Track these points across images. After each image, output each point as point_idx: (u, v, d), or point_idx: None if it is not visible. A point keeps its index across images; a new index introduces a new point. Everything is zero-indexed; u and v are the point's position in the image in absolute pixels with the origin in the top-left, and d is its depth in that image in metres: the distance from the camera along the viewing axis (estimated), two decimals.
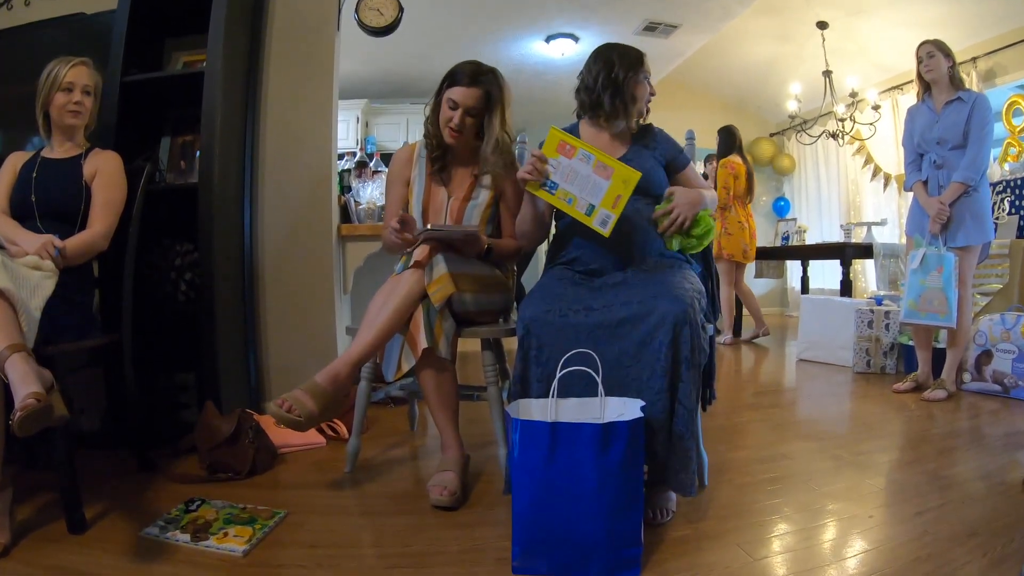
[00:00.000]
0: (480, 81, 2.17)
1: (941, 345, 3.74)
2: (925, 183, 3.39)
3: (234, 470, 2.14)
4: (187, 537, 1.67)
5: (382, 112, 6.96)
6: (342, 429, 2.57)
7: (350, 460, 2.20)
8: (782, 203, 8.48)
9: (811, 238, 7.09)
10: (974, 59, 5.99)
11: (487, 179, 2.25)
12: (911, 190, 3.52)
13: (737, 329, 5.99)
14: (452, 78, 2.18)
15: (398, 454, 2.48)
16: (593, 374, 1.58)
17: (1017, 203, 3.91)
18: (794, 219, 7.42)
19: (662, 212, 1.97)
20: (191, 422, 2.40)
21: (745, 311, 5.89)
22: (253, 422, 2.25)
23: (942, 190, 3.31)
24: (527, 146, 2.42)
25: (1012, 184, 3.98)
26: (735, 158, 5.52)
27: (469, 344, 2.25)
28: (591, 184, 1.91)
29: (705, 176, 6.13)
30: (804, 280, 6.37)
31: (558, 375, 1.58)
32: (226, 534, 1.68)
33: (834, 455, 2.53)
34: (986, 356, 3.46)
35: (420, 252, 1.98)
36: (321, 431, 2.55)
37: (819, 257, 6.04)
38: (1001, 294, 3.75)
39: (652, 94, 2.15)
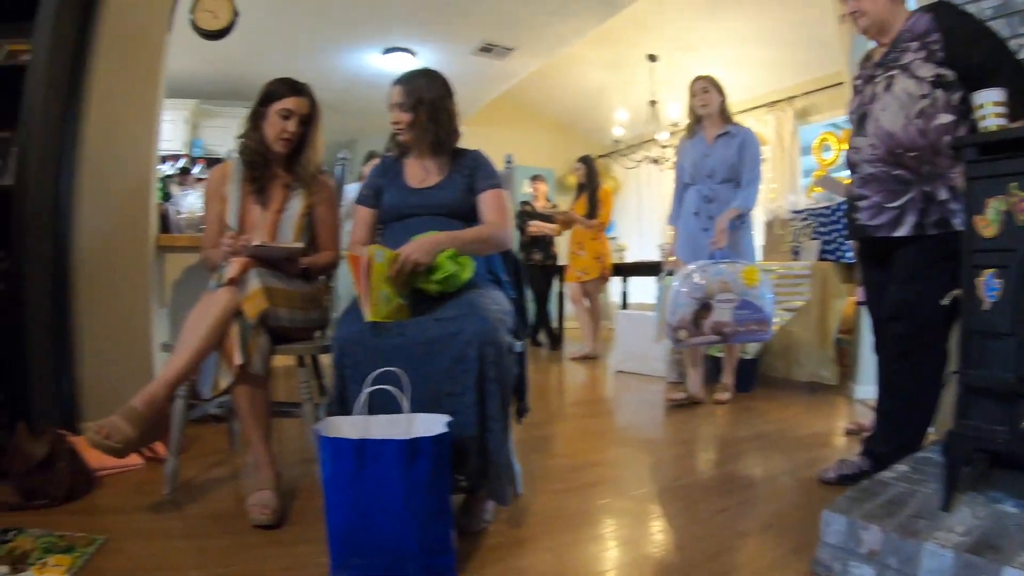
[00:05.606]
0: (305, 91, 2.29)
1: (749, 356, 4.11)
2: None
3: (50, 496, 2.01)
4: (5, 569, 1.58)
5: (212, 115, 6.60)
6: (160, 449, 2.48)
7: (169, 481, 2.14)
8: None
9: (631, 256, 7.43)
10: (791, 98, 6.61)
11: (299, 191, 2.32)
12: (673, 226, 3.83)
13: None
14: (275, 92, 2.26)
15: (219, 473, 2.43)
16: (395, 392, 1.64)
17: (819, 229, 4.35)
18: (614, 237, 7.83)
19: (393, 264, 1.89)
20: (1, 445, 2.24)
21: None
22: (68, 444, 2.14)
23: (711, 222, 3.52)
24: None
25: (816, 212, 4.42)
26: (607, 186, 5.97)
27: (284, 359, 2.26)
28: None
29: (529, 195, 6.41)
30: (624, 295, 6.67)
31: (363, 393, 1.64)
32: (45, 564, 1.60)
33: (646, 460, 2.73)
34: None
35: (233, 269, 1.99)
36: (139, 452, 2.45)
37: (638, 274, 6.31)
38: (803, 310, 4.15)
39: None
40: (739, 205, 3.46)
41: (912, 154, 2.08)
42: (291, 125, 2.24)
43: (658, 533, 1.94)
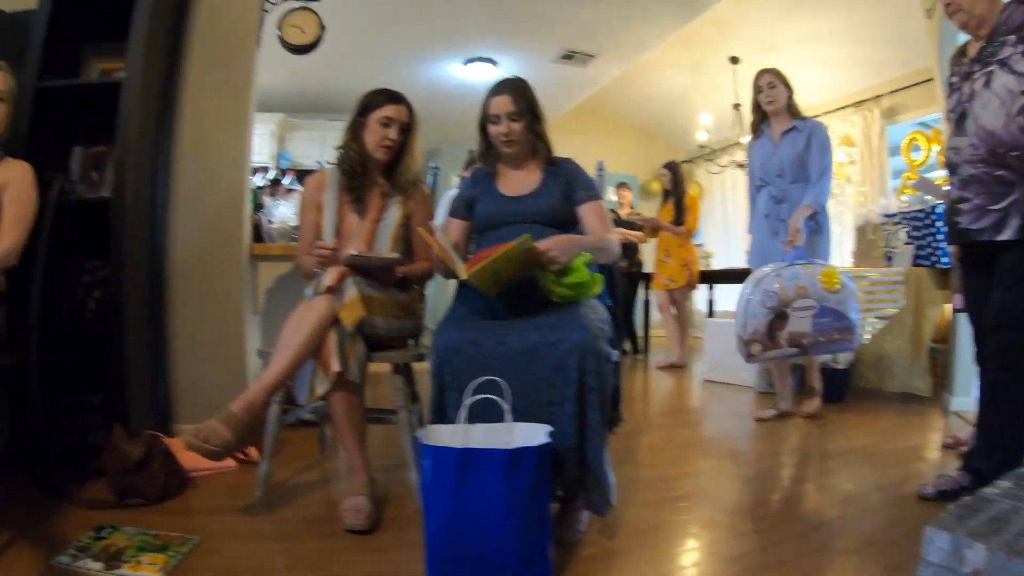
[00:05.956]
0: (403, 99, 2.32)
1: (840, 366, 3.93)
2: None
3: (144, 495, 2.07)
4: (100, 566, 1.61)
5: (298, 127, 6.86)
6: (253, 452, 2.52)
7: (262, 484, 2.16)
8: None
9: (717, 263, 7.24)
10: (877, 97, 6.37)
11: (397, 199, 2.34)
12: (751, 233, 3.60)
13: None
14: (374, 101, 2.29)
15: (309, 477, 2.47)
16: (500, 401, 1.62)
17: (913, 234, 4.15)
18: (700, 244, 7.68)
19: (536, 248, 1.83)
20: (98, 445, 2.32)
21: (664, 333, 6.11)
22: (163, 445, 2.20)
23: (782, 225, 3.31)
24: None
25: (909, 216, 4.22)
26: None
27: (375, 366, 2.26)
28: None
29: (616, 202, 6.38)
30: (711, 303, 6.51)
31: (465, 403, 1.62)
32: (139, 562, 1.64)
33: (736, 472, 2.66)
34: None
35: (331, 277, 2.01)
36: (233, 455, 2.50)
37: (725, 281, 6.15)
38: (896, 318, 3.97)
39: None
40: (811, 202, 3.20)
41: (1014, 153, 1.98)
42: (392, 132, 2.27)
43: (753, 549, 1.86)
